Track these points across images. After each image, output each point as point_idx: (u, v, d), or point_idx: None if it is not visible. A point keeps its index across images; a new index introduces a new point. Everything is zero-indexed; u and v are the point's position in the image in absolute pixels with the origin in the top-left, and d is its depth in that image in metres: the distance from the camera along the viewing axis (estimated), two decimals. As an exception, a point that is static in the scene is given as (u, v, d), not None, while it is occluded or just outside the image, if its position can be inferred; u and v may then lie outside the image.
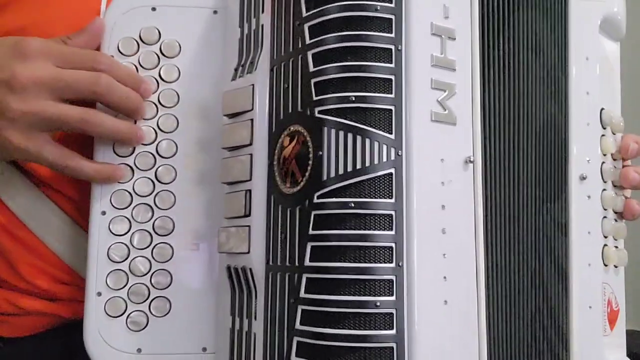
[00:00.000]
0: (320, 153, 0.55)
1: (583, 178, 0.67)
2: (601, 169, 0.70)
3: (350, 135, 0.55)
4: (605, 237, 0.70)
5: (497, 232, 0.60)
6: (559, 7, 0.68)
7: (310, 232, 0.55)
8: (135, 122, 0.67)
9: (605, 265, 0.69)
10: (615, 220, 0.72)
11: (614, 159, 0.73)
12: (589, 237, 0.67)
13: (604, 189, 0.70)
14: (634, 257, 0.74)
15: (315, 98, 0.56)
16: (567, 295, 0.65)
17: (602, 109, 0.71)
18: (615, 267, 0.71)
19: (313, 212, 0.55)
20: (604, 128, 0.71)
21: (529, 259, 0.63)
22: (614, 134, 0.73)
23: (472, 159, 0.58)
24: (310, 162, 0.56)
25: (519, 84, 0.64)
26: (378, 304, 0.53)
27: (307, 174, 0.56)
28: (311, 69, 0.57)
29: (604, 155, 0.71)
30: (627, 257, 0.72)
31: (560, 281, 0.65)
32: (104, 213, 0.66)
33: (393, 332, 0.53)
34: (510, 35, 0.63)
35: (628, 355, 0.72)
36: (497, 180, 0.61)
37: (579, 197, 0.67)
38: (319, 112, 0.56)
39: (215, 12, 0.69)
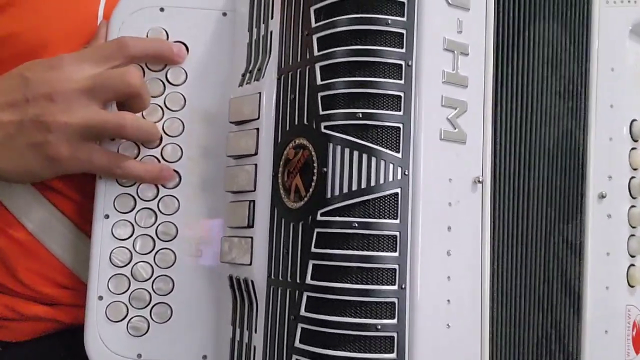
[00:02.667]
0: (325, 169, 0.54)
1: (602, 196, 0.64)
2: (629, 184, 0.67)
3: (356, 153, 0.53)
4: (633, 256, 0.67)
5: (504, 254, 0.59)
6: (581, 18, 0.65)
7: (313, 249, 0.54)
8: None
9: (631, 286, 0.67)
10: None
11: None
12: (608, 259, 0.65)
13: (633, 206, 0.67)
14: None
15: (321, 113, 0.55)
16: (579, 320, 0.63)
17: (634, 120, 0.68)
18: None
19: (316, 230, 0.54)
20: (635, 141, 0.68)
21: (538, 282, 0.61)
22: None
23: (480, 179, 0.57)
24: (314, 178, 0.55)
25: (533, 100, 0.61)
26: (379, 327, 0.52)
27: (311, 189, 0.55)
28: (319, 82, 0.55)
29: (634, 169, 0.68)
30: None
31: (571, 305, 0.63)
32: (107, 217, 0.65)
33: (393, 355, 0.52)
34: (526, 49, 0.61)
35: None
36: (506, 201, 0.59)
37: (596, 217, 0.64)
38: (325, 127, 0.55)
39: (224, 14, 0.68)
